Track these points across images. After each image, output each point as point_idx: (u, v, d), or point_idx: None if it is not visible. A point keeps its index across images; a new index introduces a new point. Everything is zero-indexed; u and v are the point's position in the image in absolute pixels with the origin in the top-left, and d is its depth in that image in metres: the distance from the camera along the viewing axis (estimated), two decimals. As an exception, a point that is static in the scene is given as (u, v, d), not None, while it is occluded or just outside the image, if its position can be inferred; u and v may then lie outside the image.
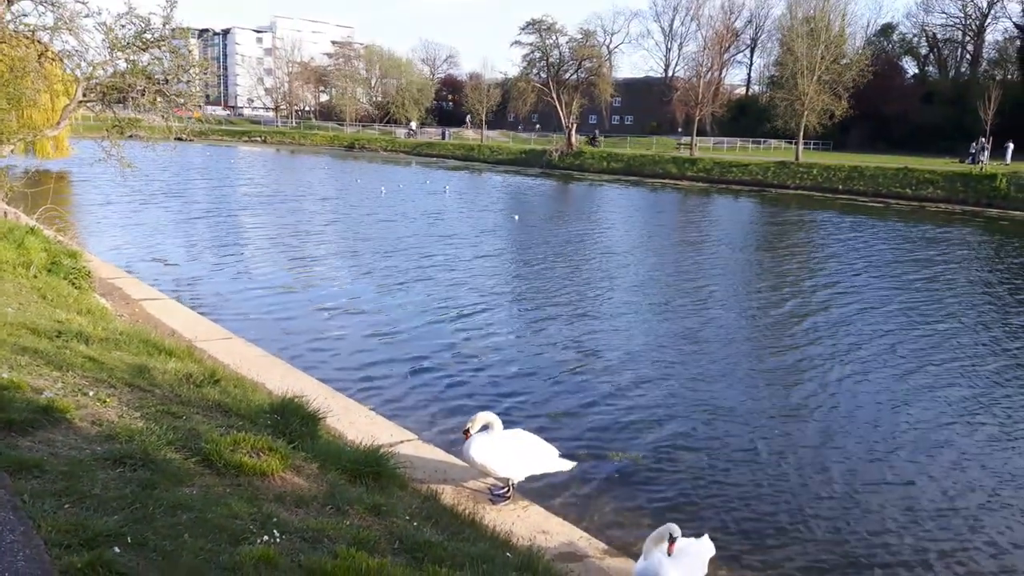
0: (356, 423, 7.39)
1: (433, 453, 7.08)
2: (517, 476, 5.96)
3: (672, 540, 4.37)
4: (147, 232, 20.77)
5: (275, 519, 3.37)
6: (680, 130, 65.89)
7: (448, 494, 5.65)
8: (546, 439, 6.22)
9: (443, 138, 74.45)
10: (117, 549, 2.92)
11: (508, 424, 6.15)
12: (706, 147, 58.02)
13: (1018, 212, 31.85)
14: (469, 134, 76.48)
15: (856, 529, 6.25)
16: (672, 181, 46.37)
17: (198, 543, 3.05)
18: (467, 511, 4.62)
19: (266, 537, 3.18)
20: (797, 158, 45.17)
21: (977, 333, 12.98)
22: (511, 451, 5.90)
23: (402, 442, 7.30)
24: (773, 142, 60.94)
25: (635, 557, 5.43)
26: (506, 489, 6.06)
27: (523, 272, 17.47)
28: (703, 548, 4.63)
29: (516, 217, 26.51)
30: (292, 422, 4.90)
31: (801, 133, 46.52)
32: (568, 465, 6.11)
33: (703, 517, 6.31)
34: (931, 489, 7.09)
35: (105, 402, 4.57)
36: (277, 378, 8.67)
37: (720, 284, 16.65)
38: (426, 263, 17.87)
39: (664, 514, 6.25)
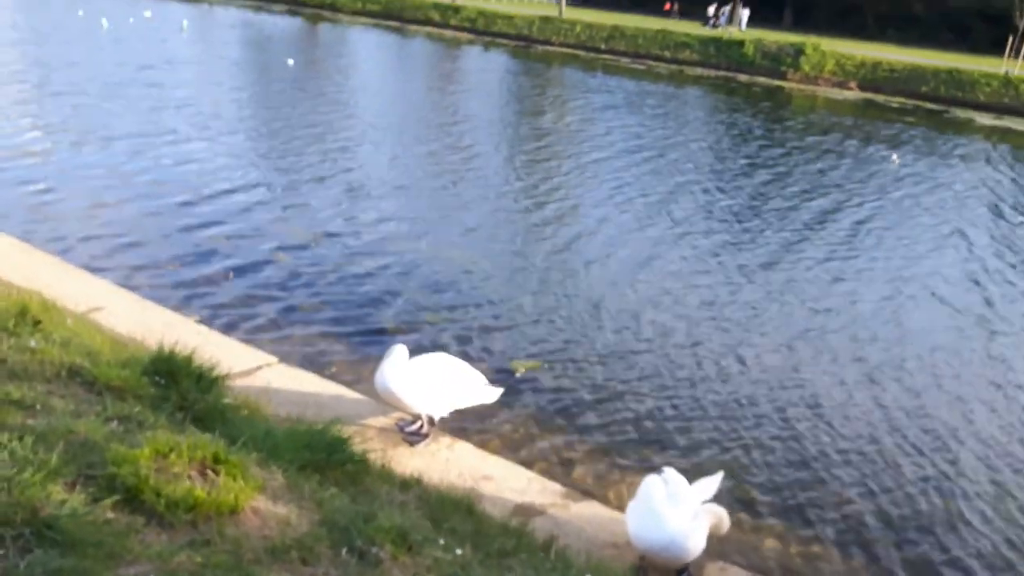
0: (193, 345, 5.88)
1: (304, 380, 5.89)
2: (441, 411, 5.07)
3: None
4: None
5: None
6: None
7: (356, 434, 4.64)
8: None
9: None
10: None
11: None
12: (466, -7, 55.51)
13: (763, 78, 34.40)
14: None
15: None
16: (436, 30, 43.94)
17: None
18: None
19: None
20: (560, 13, 44.93)
21: (714, 189, 14.02)
22: (434, 380, 4.96)
23: (260, 367, 5.99)
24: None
25: (592, 495, 4.95)
26: (419, 425, 5.16)
27: (288, 131, 15.20)
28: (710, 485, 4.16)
29: (291, 62, 23.48)
30: (186, 387, 3.49)
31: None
32: (496, 393, 5.28)
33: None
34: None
35: None
36: (54, 282, 6.69)
37: (476, 145, 15.83)
38: (183, 121, 15.03)
39: (599, 431, 5.80)
